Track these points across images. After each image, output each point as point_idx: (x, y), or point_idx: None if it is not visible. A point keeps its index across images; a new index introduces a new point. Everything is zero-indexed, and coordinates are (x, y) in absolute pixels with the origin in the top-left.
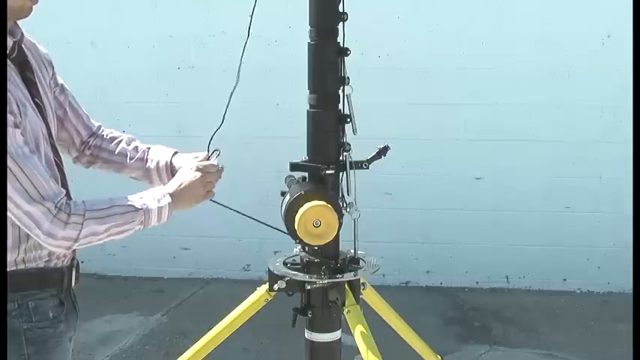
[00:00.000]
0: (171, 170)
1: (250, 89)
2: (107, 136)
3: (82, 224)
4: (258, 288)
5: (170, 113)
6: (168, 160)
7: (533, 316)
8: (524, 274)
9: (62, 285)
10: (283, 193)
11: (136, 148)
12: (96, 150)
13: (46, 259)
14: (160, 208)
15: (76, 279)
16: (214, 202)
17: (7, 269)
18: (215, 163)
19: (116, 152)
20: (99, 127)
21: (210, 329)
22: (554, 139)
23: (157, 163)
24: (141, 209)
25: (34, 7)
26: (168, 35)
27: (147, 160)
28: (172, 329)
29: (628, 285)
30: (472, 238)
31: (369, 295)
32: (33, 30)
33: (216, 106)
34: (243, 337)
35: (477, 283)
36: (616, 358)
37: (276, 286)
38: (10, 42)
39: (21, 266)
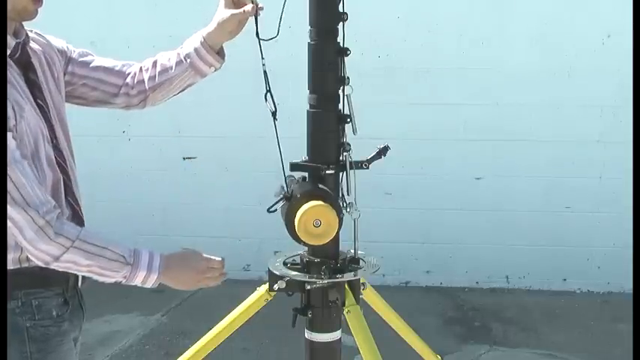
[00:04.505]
0: (209, 46)
1: (250, 89)
2: (140, 68)
3: (68, 249)
4: (258, 288)
5: (170, 113)
6: (201, 39)
7: (533, 316)
8: (524, 274)
9: (67, 284)
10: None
11: (169, 58)
12: (140, 85)
13: None
14: (147, 275)
15: (83, 279)
16: None
17: (11, 267)
18: (222, 269)
19: (157, 73)
20: (129, 65)
21: (210, 329)
22: (555, 139)
23: (195, 50)
24: (129, 265)
25: (39, 9)
26: (168, 35)
27: (185, 58)
28: (172, 329)
29: (628, 285)
30: (472, 238)
31: (369, 295)
32: (34, 29)
33: (216, 106)
34: (243, 337)
35: (476, 283)
36: (616, 358)
37: (276, 286)
38: (12, 42)
39: (24, 264)
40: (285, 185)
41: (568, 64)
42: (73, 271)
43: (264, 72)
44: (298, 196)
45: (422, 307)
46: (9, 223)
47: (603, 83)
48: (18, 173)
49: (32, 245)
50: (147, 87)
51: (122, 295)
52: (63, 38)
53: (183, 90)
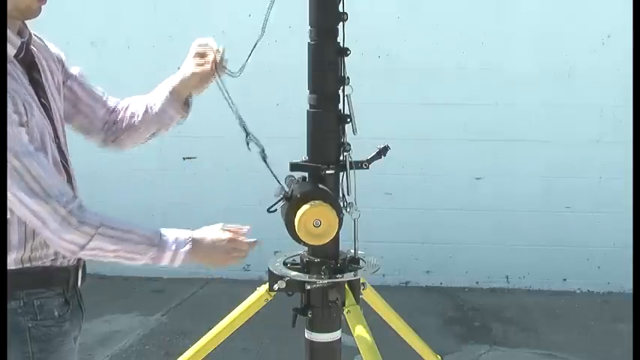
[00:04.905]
0: (176, 96)
1: (250, 89)
2: (116, 108)
3: (93, 237)
4: (258, 288)
5: None
6: (169, 90)
7: (533, 316)
8: (524, 274)
9: (68, 284)
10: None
11: (137, 104)
12: (114, 125)
13: (52, 257)
14: (174, 254)
15: (82, 278)
16: None
17: (13, 267)
18: (247, 241)
19: (125, 117)
20: (116, 103)
21: (210, 329)
22: (555, 139)
23: (160, 101)
24: (155, 247)
25: (42, 7)
26: (168, 35)
27: (149, 108)
28: (172, 329)
29: (628, 285)
30: (472, 238)
31: (369, 295)
32: (33, 30)
33: (217, 106)
34: (243, 337)
35: (477, 283)
36: (616, 358)
37: (276, 286)
38: (17, 42)
39: (27, 264)
40: (284, 185)
41: (568, 64)
42: (99, 258)
43: (240, 119)
44: (298, 196)
45: (422, 307)
46: (26, 219)
47: (603, 83)
48: (35, 165)
49: (57, 236)
50: (118, 128)
51: (122, 295)
52: (63, 38)
53: (153, 136)
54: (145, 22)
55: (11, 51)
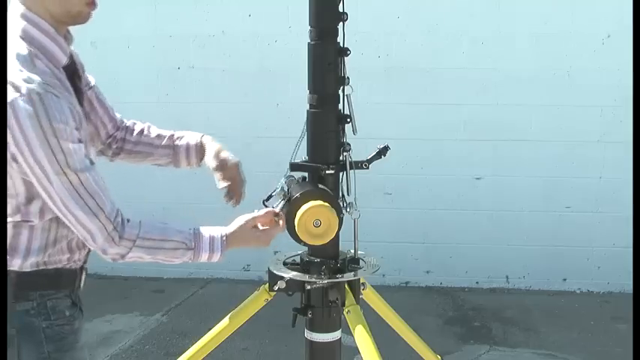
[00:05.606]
0: (201, 151)
1: (250, 89)
2: (129, 127)
3: (131, 249)
4: (258, 288)
5: (170, 113)
6: (198, 142)
7: (533, 316)
8: (524, 274)
9: (74, 286)
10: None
11: (158, 136)
12: (120, 142)
13: (65, 262)
14: (210, 255)
15: (84, 281)
16: None
17: (28, 270)
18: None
19: (140, 142)
20: (121, 120)
21: (210, 329)
22: (555, 139)
23: (187, 145)
24: (191, 250)
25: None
26: (168, 35)
27: (174, 145)
28: (172, 329)
29: (628, 285)
30: (472, 238)
31: (369, 295)
32: None
33: (217, 106)
34: (243, 337)
35: (477, 283)
36: (616, 358)
37: (276, 286)
38: (68, 50)
39: (42, 267)
40: (285, 184)
41: (568, 64)
42: (140, 262)
43: None
44: (298, 196)
45: (422, 307)
46: (75, 229)
47: (603, 83)
48: (92, 181)
49: (102, 249)
50: (125, 147)
51: (122, 295)
52: None
53: (155, 164)
54: (145, 22)
55: (63, 60)
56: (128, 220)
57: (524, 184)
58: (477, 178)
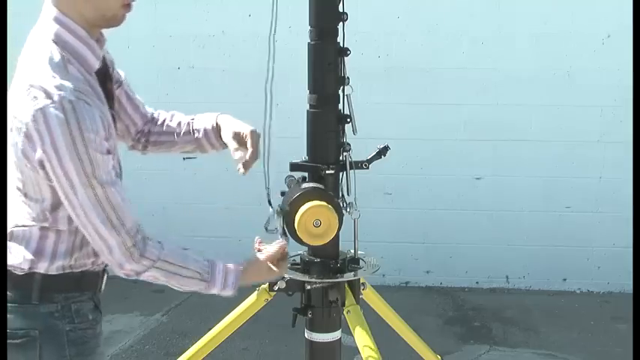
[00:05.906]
0: (219, 132)
1: (250, 89)
2: (154, 118)
3: (149, 269)
4: (258, 288)
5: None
6: (214, 123)
7: (533, 316)
8: (524, 274)
9: (97, 288)
10: (283, 193)
11: (179, 123)
12: (146, 135)
13: (90, 265)
14: (222, 289)
15: (105, 283)
16: None
17: (54, 273)
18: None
19: (163, 132)
20: (152, 114)
21: (210, 329)
22: (555, 139)
23: (204, 130)
24: (205, 282)
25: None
26: (168, 35)
27: (193, 131)
28: (172, 329)
29: (628, 285)
30: (472, 238)
31: (369, 295)
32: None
33: (217, 106)
34: (243, 337)
35: (477, 283)
36: (616, 358)
37: (276, 286)
38: (100, 55)
39: (68, 270)
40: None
41: (568, 64)
42: (151, 281)
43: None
44: (298, 196)
45: (422, 307)
46: (92, 241)
47: (603, 83)
48: (116, 194)
49: (119, 264)
50: (151, 139)
51: (122, 295)
52: None
53: (183, 152)
54: (145, 22)
55: (95, 65)
56: (149, 239)
57: (524, 184)
58: (477, 178)
